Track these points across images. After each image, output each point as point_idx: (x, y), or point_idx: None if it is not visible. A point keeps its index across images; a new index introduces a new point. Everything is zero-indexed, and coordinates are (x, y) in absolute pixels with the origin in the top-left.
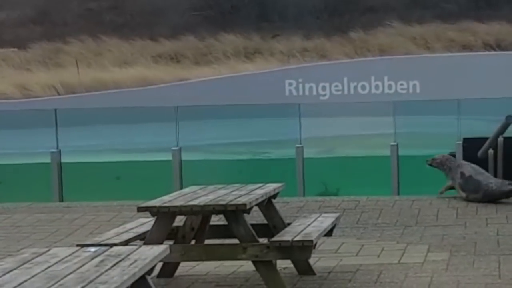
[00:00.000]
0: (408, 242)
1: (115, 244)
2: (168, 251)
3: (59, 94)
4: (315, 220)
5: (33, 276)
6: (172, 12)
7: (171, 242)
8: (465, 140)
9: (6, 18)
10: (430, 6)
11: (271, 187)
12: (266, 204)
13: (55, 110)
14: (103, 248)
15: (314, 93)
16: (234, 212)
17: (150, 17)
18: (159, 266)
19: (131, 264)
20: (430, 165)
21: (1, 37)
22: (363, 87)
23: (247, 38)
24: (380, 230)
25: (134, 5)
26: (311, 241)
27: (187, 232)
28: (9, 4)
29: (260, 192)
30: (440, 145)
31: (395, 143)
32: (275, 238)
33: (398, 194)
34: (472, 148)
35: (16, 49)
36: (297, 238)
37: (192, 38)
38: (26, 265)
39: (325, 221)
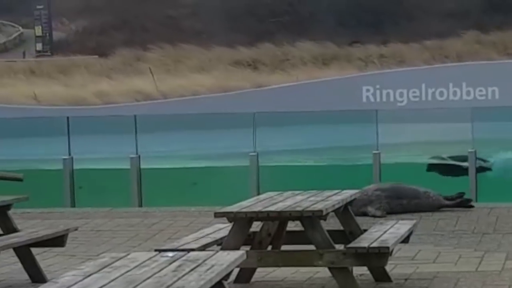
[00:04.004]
0: (485, 250)
1: (193, 249)
2: (244, 257)
3: (138, 101)
4: (391, 226)
5: (112, 280)
6: (250, 18)
7: (248, 248)
8: None
9: (89, 25)
10: (510, 11)
11: (347, 194)
12: (343, 211)
13: (135, 116)
14: (181, 253)
15: (392, 99)
16: (311, 218)
17: (228, 24)
18: (235, 271)
19: (208, 269)
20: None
21: (83, 44)
22: (441, 94)
23: (324, 44)
24: (458, 237)
25: (212, 12)
26: (388, 247)
27: (264, 237)
28: (91, 12)
29: (336, 198)
30: None
31: (473, 150)
32: (352, 245)
33: (476, 201)
34: None
35: (97, 56)
36: (373, 245)
37: (270, 45)
38: (106, 269)
39: (402, 227)
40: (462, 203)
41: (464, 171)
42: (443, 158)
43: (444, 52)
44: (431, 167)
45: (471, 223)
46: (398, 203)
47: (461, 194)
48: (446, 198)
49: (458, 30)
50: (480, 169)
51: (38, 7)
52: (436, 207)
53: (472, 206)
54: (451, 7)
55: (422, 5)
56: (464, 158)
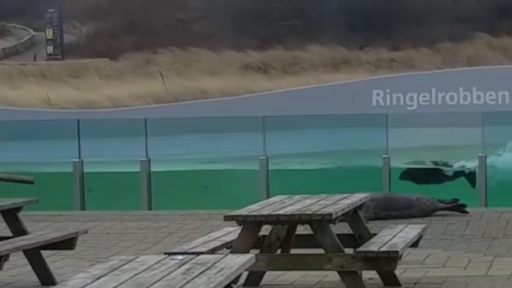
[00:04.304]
0: (495, 254)
1: (202, 253)
2: (254, 260)
3: (148, 104)
4: (401, 230)
5: (121, 283)
6: (260, 22)
7: (257, 251)
8: None
9: (99, 29)
10: None
11: (357, 198)
12: (352, 214)
13: (145, 119)
14: (190, 256)
15: (402, 103)
16: (320, 222)
17: (238, 28)
18: (245, 275)
19: (217, 272)
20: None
21: (94, 47)
22: (451, 98)
23: (335, 48)
24: (467, 241)
25: (222, 16)
26: (397, 252)
27: (273, 241)
28: (101, 15)
29: (346, 202)
30: None
31: (483, 154)
32: (361, 249)
33: (486, 205)
34: None
35: (107, 59)
36: (383, 249)
37: (280, 49)
38: (115, 272)
39: (411, 232)
40: (457, 207)
41: (445, 177)
42: (422, 162)
43: (454, 57)
44: (405, 175)
45: (480, 227)
46: (387, 215)
47: (456, 200)
48: (441, 202)
49: (469, 35)
50: (458, 175)
51: (50, 10)
52: (431, 212)
53: (466, 212)
54: (461, 11)
55: (433, 9)
56: (444, 163)
